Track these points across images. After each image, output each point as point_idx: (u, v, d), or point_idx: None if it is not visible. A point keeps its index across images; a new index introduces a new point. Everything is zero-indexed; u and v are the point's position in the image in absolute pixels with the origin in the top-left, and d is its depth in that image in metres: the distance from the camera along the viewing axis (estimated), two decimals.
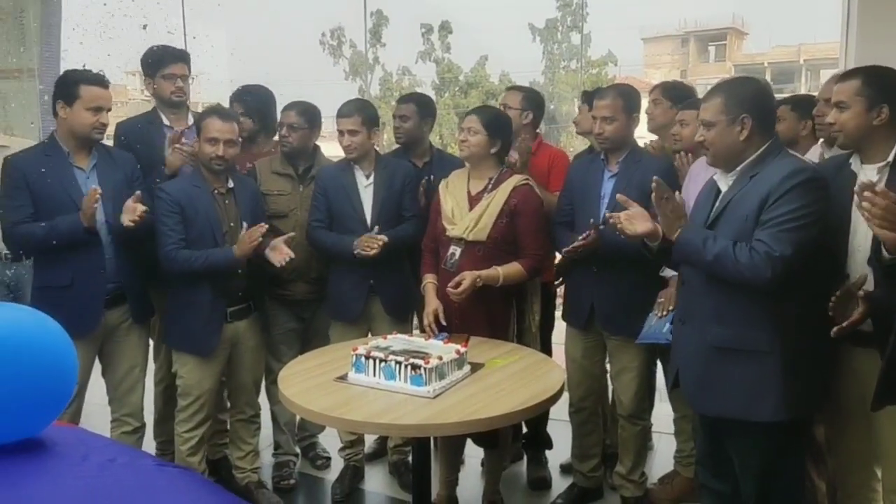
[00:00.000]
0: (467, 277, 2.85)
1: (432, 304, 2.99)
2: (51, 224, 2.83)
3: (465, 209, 3.00)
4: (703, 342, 2.24)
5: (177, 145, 3.16)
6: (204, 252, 2.95)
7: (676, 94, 3.28)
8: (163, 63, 3.31)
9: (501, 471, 3.26)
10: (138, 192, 2.87)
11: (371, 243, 3.09)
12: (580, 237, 2.85)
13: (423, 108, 3.58)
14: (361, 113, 3.20)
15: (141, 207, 2.82)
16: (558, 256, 3.21)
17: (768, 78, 24.79)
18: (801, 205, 2.07)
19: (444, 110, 26.87)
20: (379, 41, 29.79)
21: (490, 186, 3.00)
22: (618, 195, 2.47)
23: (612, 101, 2.94)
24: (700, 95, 3.09)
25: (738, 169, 2.23)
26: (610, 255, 2.86)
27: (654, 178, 2.29)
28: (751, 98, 2.23)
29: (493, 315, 3.00)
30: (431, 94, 27.23)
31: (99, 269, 2.92)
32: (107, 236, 2.93)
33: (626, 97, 2.97)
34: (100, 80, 2.93)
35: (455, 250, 2.99)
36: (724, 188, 2.28)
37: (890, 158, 2.17)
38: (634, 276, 2.91)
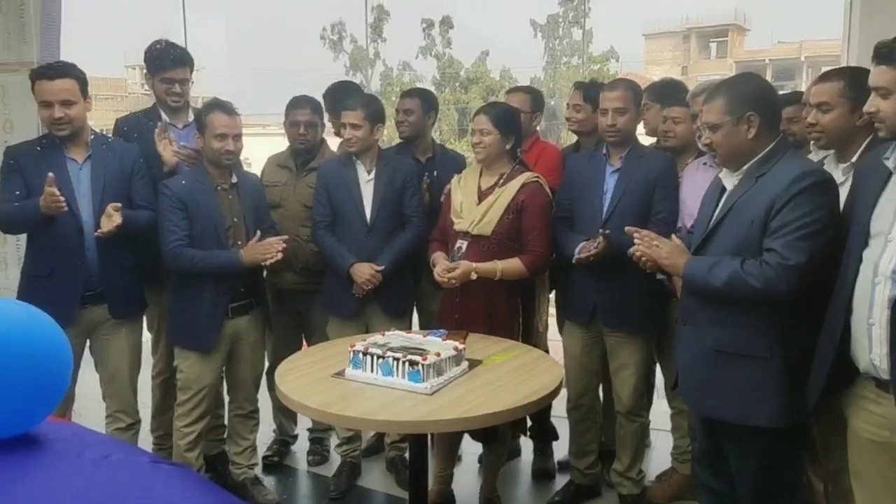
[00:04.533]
0: (462, 266, 2.85)
1: (446, 263, 2.94)
2: (22, 204, 2.83)
3: (474, 203, 2.99)
4: (703, 345, 2.22)
5: (168, 143, 3.13)
6: (211, 253, 2.95)
7: (664, 94, 3.28)
8: (162, 66, 3.27)
9: (500, 467, 3.26)
10: (118, 204, 2.84)
11: (370, 279, 3.13)
12: (592, 245, 2.82)
13: (426, 102, 3.59)
14: (366, 108, 3.19)
15: (117, 220, 2.80)
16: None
17: (769, 76, 24.78)
18: (811, 209, 2.01)
19: (444, 106, 26.85)
20: (380, 36, 29.78)
21: (501, 182, 2.99)
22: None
23: (624, 93, 2.93)
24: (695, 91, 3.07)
25: (745, 168, 2.19)
26: (619, 258, 2.83)
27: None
28: (754, 95, 2.17)
29: (495, 312, 2.98)
30: (432, 89, 27.22)
31: (77, 263, 2.91)
32: (90, 233, 2.90)
33: (634, 90, 2.99)
34: (48, 73, 2.86)
35: (462, 244, 2.98)
36: (729, 187, 2.24)
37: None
38: (639, 272, 2.89)
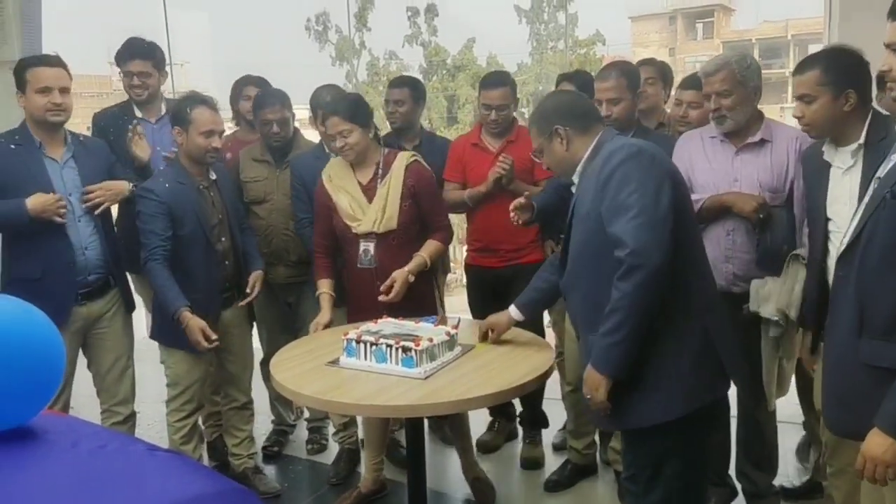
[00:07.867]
0: (398, 278, 2.84)
1: (327, 315, 2.93)
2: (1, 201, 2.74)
3: (364, 202, 2.93)
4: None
5: (139, 138, 3.11)
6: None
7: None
8: (122, 60, 3.31)
9: (470, 443, 3.26)
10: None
11: None
12: None
13: (416, 91, 3.59)
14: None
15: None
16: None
17: (756, 55, 24.74)
18: (636, 185, 1.96)
19: (432, 94, 26.73)
20: (365, 25, 29.54)
21: (381, 172, 2.95)
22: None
23: (617, 82, 2.86)
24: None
25: (577, 170, 2.19)
26: None
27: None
28: (551, 110, 2.22)
29: (419, 295, 2.99)
30: (420, 77, 27.08)
31: (69, 262, 2.86)
32: (87, 227, 2.89)
33: (629, 75, 2.91)
34: (47, 61, 2.82)
35: (367, 246, 2.92)
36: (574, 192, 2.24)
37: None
38: None
